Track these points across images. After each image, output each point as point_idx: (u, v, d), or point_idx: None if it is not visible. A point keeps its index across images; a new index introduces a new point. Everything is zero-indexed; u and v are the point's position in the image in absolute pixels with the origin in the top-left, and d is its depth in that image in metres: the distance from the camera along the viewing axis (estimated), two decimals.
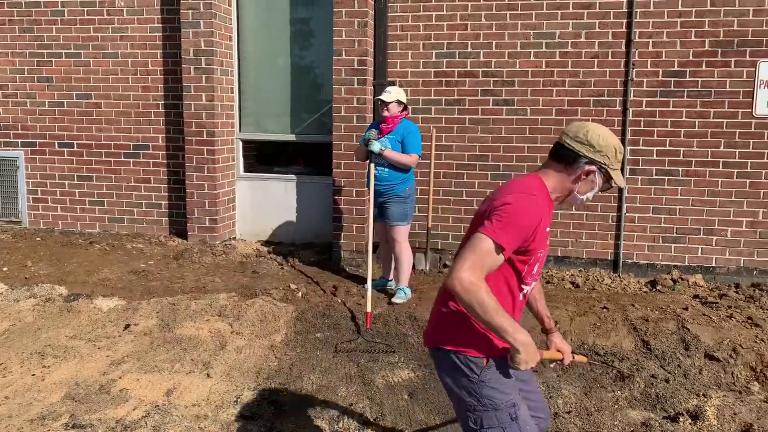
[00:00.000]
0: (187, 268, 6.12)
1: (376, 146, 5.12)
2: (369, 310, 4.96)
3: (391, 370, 4.43)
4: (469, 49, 6.32)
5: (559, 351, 2.63)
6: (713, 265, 6.01)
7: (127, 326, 4.96)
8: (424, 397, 4.12)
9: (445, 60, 6.38)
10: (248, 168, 7.24)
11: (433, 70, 6.42)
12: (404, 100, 5.27)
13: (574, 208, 2.88)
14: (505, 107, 6.33)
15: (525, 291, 2.41)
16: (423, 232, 6.43)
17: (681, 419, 3.76)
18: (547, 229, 2.32)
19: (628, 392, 4.14)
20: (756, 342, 4.45)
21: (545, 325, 2.72)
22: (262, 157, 7.34)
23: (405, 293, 5.28)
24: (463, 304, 2.13)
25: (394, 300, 5.21)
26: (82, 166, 7.31)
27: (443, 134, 6.43)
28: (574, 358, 2.68)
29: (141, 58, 7.05)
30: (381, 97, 5.30)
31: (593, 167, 2.28)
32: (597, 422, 3.81)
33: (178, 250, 6.57)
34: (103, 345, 4.71)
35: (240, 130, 7.15)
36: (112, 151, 7.22)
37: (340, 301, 5.32)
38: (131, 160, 7.19)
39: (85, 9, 7.09)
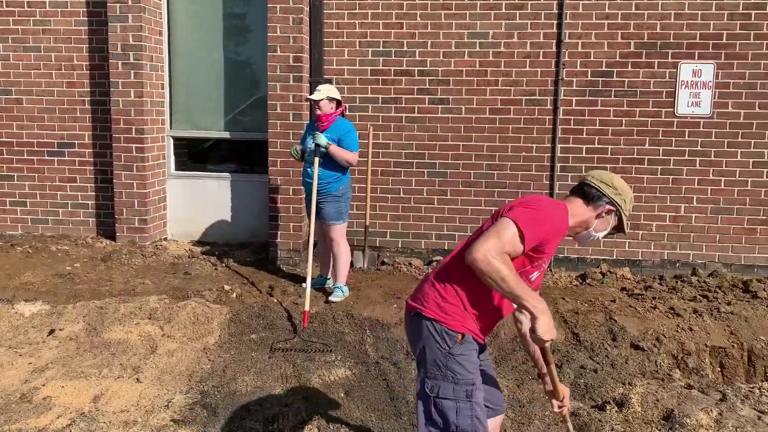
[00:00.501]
0: (116, 270, 5.91)
1: (323, 139, 5.04)
2: (307, 308, 4.91)
3: (327, 369, 4.41)
4: (405, 48, 6.35)
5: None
6: (639, 258, 6.26)
7: (51, 331, 4.75)
8: (361, 394, 4.11)
9: (381, 58, 6.39)
10: (180, 166, 7.05)
11: (369, 68, 6.41)
12: (337, 96, 5.20)
13: (576, 244, 3.04)
14: (440, 106, 6.39)
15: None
16: (361, 230, 6.41)
17: (608, 407, 3.90)
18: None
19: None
20: (677, 331, 4.65)
21: (541, 369, 2.75)
22: (195, 155, 7.16)
23: (342, 291, 5.26)
24: (484, 274, 2.24)
25: (331, 298, 5.18)
26: (2, 165, 6.95)
27: (380, 132, 6.43)
28: (565, 407, 2.78)
29: (65, 52, 6.75)
30: (311, 96, 5.24)
31: (613, 208, 2.54)
32: (529, 414, 3.90)
33: (106, 251, 6.33)
34: (25, 352, 4.49)
35: (171, 127, 6.95)
36: (35, 149, 6.89)
37: (276, 301, 5.25)
38: (56, 158, 6.88)
39: (4, 0, 6.74)
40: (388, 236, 6.56)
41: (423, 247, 6.54)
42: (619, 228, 2.61)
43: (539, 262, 2.48)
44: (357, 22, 6.36)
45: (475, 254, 2.23)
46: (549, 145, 6.29)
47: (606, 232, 2.61)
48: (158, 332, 4.73)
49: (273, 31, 6.15)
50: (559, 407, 2.76)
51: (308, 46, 6.30)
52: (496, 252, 2.23)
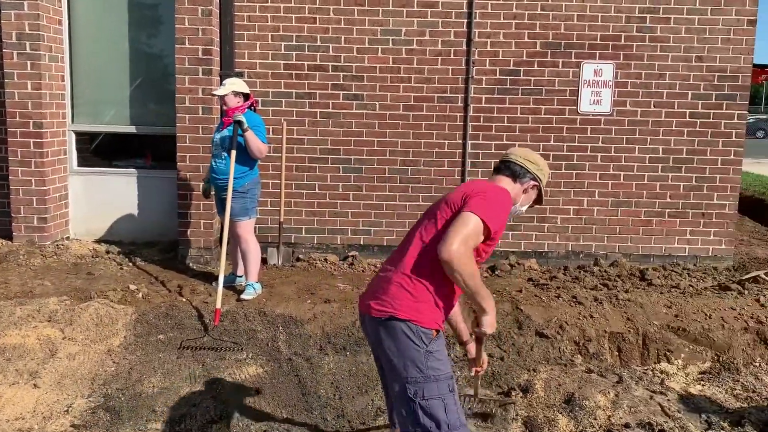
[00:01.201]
0: (12, 271, 5.57)
1: (242, 117, 4.94)
2: (218, 306, 4.81)
3: (238, 367, 4.34)
4: (319, 43, 6.32)
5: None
6: (546, 250, 6.51)
7: None
8: (272, 391, 4.08)
9: (294, 53, 6.33)
10: (83, 162, 6.72)
11: (282, 62, 6.34)
12: (244, 90, 5.10)
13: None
14: (354, 101, 6.40)
15: None
16: (275, 227, 6.34)
17: (513, 393, 4.04)
18: None
19: (467, 372, 4.36)
20: (579, 319, 4.87)
21: (464, 338, 2.97)
22: (100, 150, 6.85)
23: (254, 289, 5.18)
24: (454, 272, 2.33)
25: (243, 296, 5.09)
26: None
27: (294, 127, 6.38)
28: (481, 370, 3.06)
29: None
30: (215, 92, 5.14)
31: (536, 183, 2.72)
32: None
33: (2, 252, 5.96)
34: None
35: (73, 121, 6.61)
36: None
37: (185, 300, 5.10)
38: None
39: None
40: (303, 232, 6.52)
41: (339, 242, 6.54)
42: (537, 200, 2.81)
43: (488, 250, 2.59)
44: (269, 15, 6.27)
45: (448, 250, 2.31)
46: (460, 141, 6.43)
47: (528, 206, 2.81)
48: (59, 335, 4.50)
49: (181, 22, 5.97)
50: (476, 372, 3.02)
51: (218, 39, 6.16)
52: (466, 247, 2.33)
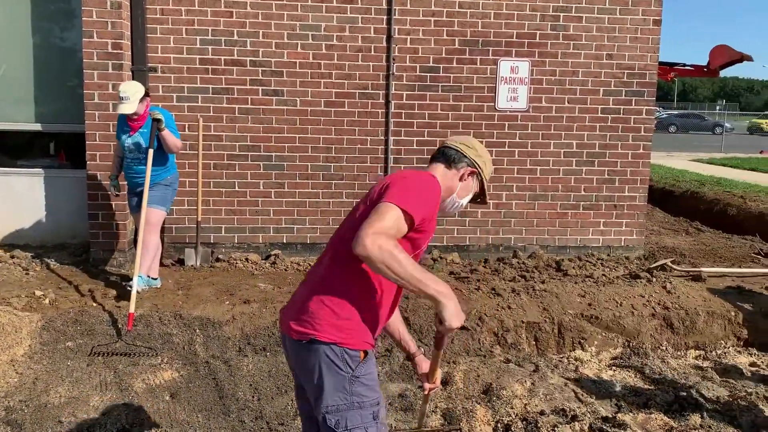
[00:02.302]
0: None
1: (159, 114, 4.80)
2: (132, 310, 4.62)
3: (153, 372, 4.19)
4: (236, 37, 6.18)
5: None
6: (467, 243, 6.61)
7: None
8: (188, 395, 3.96)
9: (210, 47, 6.16)
10: None
11: (198, 56, 6.16)
12: (142, 92, 4.93)
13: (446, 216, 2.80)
14: (274, 97, 6.29)
15: None
16: (192, 227, 6.16)
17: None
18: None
19: (388, 367, 4.37)
20: (498, 310, 4.97)
21: (410, 350, 2.66)
22: (2, 149, 6.46)
23: (144, 281, 4.96)
24: (376, 262, 1.98)
25: (135, 286, 4.74)
26: None
27: (212, 123, 6.21)
28: (434, 388, 2.67)
29: None
30: (122, 111, 4.84)
31: (474, 170, 2.41)
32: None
33: None
34: None
35: None
36: None
37: (96, 304, 4.88)
38: None
39: None
40: (223, 231, 6.36)
41: (261, 241, 6.43)
42: (481, 193, 2.49)
43: (420, 242, 2.27)
44: (183, 8, 6.07)
45: (363, 243, 1.98)
46: (382, 137, 6.44)
47: (469, 198, 2.46)
48: None
49: (89, 15, 5.69)
50: (429, 389, 2.65)
51: (129, 33, 5.92)
52: (384, 236, 2.00)
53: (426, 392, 2.67)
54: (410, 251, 2.20)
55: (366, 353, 2.21)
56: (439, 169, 2.40)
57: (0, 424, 3.54)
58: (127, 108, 4.82)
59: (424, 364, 2.63)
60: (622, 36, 6.56)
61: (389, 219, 2.06)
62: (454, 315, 2.06)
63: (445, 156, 2.41)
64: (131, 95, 4.82)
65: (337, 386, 2.15)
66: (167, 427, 3.59)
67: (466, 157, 2.40)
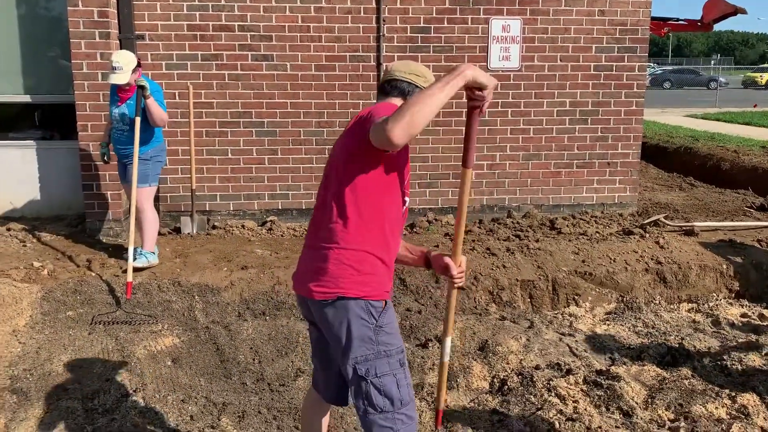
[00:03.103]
0: None
1: (144, 81, 4.74)
2: (130, 279, 4.66)
3: (154, 339, 4.25)
4: (223, 2, 6.08)
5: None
6: None
7: None
8: (189, 360, 4.02)
9: (197, 13, 6.07)
10: None
11: (185, 23, 6.08)
12: (135, 63, 4.83)
13: None
14: (264, 62, 6.24)
15: (406, 206, 2.40)
16: (187, 195, 6.17)
17: (430, 345, 4.15)
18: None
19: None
20: (493, 269, 5.02)
21: (423, 252, 2.55)
22: None
23: (146, 258, 5.00)
24: (415, 129, 1.95)
25: (135, 263, 4.81)
26: None
27: (202, 91, 6.17)
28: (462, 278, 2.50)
29: None
30: (114, 81, 4.75)
31: None
32: None
33: None
34: None
35: None
36: None
37: (94, 274, 4.92)
38: None
39: None
40: (218, 199, 6.37)
41: (256, 208, 6.45)
42: None
43: (402, 165, 2.30)
44: None
45: (389, 134, 1.94)
46: (374, 101, 6.35)
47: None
48: None
49: None
50: (458, 274, 2.45)
51: (115, 0, 5.82)
52: (392, 119, 1.95)
53: (455, 280, 2.46)
54: (395, 179, 2.26)
55: (386, 303, 2.29)
56: (398, 102, 2.31)
57: (6, 392, 3.60)
58: (120, 78, 4.75)
59: (442, 257, 2.46)
60: None
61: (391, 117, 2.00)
62: (485, 78, 2.08)
63: (400, 89, 2.36)
64: (124, 65, 4.75)
65: (363, 338, 2.23)
66: (170, 391, 3.65)
67: (418, 87, 2.35)
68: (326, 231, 2.27)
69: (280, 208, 6.46)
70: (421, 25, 6.36)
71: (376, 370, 2.25)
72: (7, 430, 3.25)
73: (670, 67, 48.49)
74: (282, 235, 6.03)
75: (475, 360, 3.99)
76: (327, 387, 2.52)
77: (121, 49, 5.62)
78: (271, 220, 6.33)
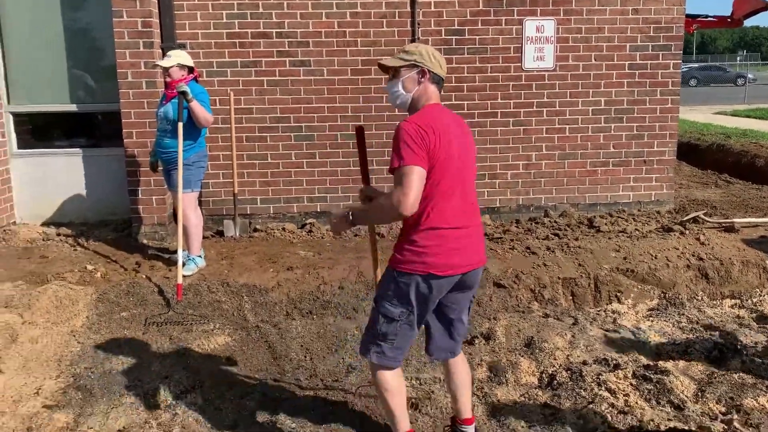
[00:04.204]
0: None
1: (185, 87, 4.89)
2: (180, 281, 4.79)
3: (206, 338, 4.37)
4: (261, 10, 6.23)
5: None
6: (497, 205, 6.69)
7: None
8: (243, 358, 4.13)
9: (236, 21, 6.22)
10: (23, 144, 6.50)
11: (225, 31, 6.23)
12: (188, 63, 5.04)
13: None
14: (302, 68, 6.36)
15: None
16: (230, 199, 6.31)
17: (476, 341, 4.21)
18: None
19: None
20: (534, 268, 5.07)
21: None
22: (40, 131, 6.63)
23: (195, 263, 5.13)
24: None
25: (184, 272, 4.95)
26: None
27: (242, 97, 6.31)
28: None
29: None
30: (160, 62, 5.06)
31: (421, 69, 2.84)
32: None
33: None
34: None
35: (9, 103, 6.36)
36: None
37: (144, 277, 5.07)
38: None
39: None
40: (258, 203, 6.51)
41: (296, 211, 6.57)
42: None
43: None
44: None
45: None
46: None
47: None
48: (17, 320, 4.41)
49: None
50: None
51: (157, 10, 6.00)
52: None
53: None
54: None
55: None
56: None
57: (71, 389, 3.74)
58: (163, 62, 5.01)
59: None
60: None
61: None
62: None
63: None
64: (173, 54, 5.02)
65: None
66: (227, 388, 3.76)
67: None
68: (478, 218, 2.82)
69: (318, 210, 6.57)
70: (456, 27, 6.43)
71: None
72: (77, 424, 3.38)
73: (695, 65, 47.85)
74: (322, 237, 6.14)
75: (522, 356, 4.04)
76: (442, 343, 2.96)
77: (163, 57, 5.78)
78: (310, 223, 6.45)
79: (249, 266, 5.22)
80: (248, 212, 6.47)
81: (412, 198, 2.50)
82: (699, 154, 10.86)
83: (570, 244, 5.44)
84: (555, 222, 6.30)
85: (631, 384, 3.64)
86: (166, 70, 5.00)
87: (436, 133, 2.59)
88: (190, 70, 5.09)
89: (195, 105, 4.95)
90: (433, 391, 3.65)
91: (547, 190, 6.72)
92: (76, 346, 4.26)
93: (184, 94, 4.89)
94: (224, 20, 6.20)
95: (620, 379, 3.67)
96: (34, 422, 3.37)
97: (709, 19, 13.59)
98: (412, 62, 2.76)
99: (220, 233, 6.24)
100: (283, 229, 6.31)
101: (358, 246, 5.83)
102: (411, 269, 2.68)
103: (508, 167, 6.65)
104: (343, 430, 3.32)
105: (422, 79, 2.77)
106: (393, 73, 2.82)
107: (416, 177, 2.52)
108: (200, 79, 5.31)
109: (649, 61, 6.63)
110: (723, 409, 3.40)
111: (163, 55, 5.89)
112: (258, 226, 6.40)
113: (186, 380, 3.83)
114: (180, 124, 4.94)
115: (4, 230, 6.02)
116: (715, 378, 3.69)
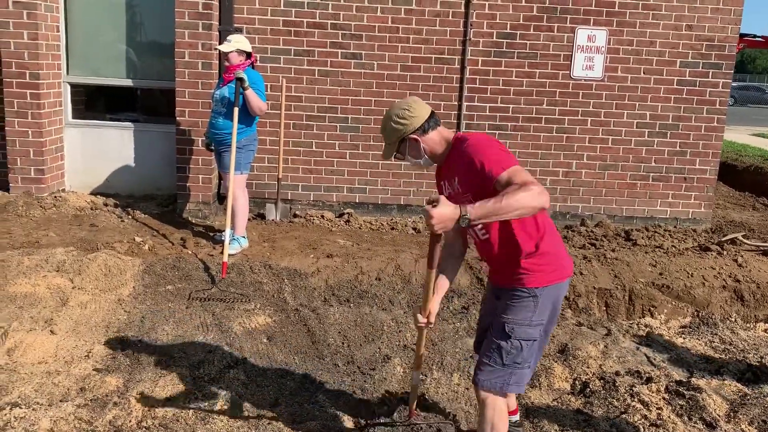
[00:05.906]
0: (14, 222, 5.60)
1: (243, 74, 5.00)
2: (225, 259, 4.93)
3: (247, 317, 4.50)
4: (318, 1, 6.33)
5: None
6: None
7: None
8: (283, 339, 4.26)
9: (293, 9, 6.33)
10: (78, 114, 6.69)
11: (281, 18, 6.35)
12: (247, 49, 5.17)
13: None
14: (353, 60, 6.46)
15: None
16: (273, 183, 6.44)
17: None
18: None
19: (466, 323, 4.60)
20: None
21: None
22: (94, 103, 6.82)
23: (239, 243, 5.27)
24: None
25: (229, 251, 5.07)
26: None
27: (293, 85, 6.43)
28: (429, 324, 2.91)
29: None
30: (220, 47, 5.18)
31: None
32: (441, 351, 4.21)
33: (1, 203, 5.97)
34: None
35: (68, 73, 6.56)
36: None
37: (190, 252, 5.22)
38: None
39: None
40: (300, 189, 6.63)
41: (335, 200, 6.68)
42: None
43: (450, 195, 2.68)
44: None
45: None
46: (456, 102, 6.56)
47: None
48: (68, 285, 4.59)
49: None
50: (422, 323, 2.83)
51: None
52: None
53: (419, 324, 2.86)
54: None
55: None
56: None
57: (119, 354, 3.90)
58: (223, 46, 5.13)
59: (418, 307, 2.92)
60: (703, 7, 6.48)
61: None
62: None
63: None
64: (233, 39, 5.14)
65: None
66: (268, 366, 3.89)
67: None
68: None
69: (357, 201, 6.68)
70: (507, 30, 6.48)
71: None
72: (126, 389, 3.53)
73: (734, 84, 47.03)
74: (360, 228, 6.25)
75: (556, 362, 4.12)
76: None
77: (220, 40, 5.93)
78: (348, 213, 6.56)
79: (290, 250, 5.34)
80: (289, 198, 6.60)
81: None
82: (736, 175, 10.75)
83: (607, 255, 5.47)
84: (591, 231, 6.34)
85: (664, 398, 3.69)
86: (225, 55, 5.13)
87: None
88: (248, 55, 5.21)
89: (250, 93, 5.07)
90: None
91: (585, 199, 6.75)
92: (123, 314, 4.43)
93: (241, 81, 5.01)
94: (281, 8, 6.31)
95: (653, 393, 3.73)
96: (86, 383, 3.53)
97: (757, 39, 13.41)
98: (397, 139, 2.66)
99: (261, 216, 6.38)
100: (322, 216, 6.43)
101: (396, 239, 5.93)
102: (549, 280, 2.67)
103: (548, 173, 6.69)
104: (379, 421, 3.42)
105: (420, 138, 2.65)
106: (396, 153, 2.72)
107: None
108: (255, 65, 5.42)
109: (699, 79, 6.62)
110: None
111: (221, 38, 6.05)
112: (297, 212, 6.53)
113: (229, 357, 3.97)
114: (236, 109, 5.06)
115: (56, 197, 6.22)
116: (748, 400, 3.72)
